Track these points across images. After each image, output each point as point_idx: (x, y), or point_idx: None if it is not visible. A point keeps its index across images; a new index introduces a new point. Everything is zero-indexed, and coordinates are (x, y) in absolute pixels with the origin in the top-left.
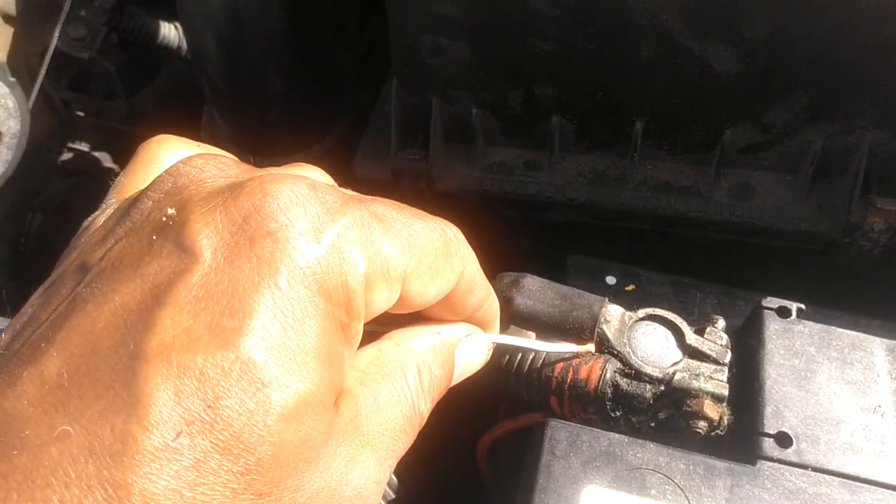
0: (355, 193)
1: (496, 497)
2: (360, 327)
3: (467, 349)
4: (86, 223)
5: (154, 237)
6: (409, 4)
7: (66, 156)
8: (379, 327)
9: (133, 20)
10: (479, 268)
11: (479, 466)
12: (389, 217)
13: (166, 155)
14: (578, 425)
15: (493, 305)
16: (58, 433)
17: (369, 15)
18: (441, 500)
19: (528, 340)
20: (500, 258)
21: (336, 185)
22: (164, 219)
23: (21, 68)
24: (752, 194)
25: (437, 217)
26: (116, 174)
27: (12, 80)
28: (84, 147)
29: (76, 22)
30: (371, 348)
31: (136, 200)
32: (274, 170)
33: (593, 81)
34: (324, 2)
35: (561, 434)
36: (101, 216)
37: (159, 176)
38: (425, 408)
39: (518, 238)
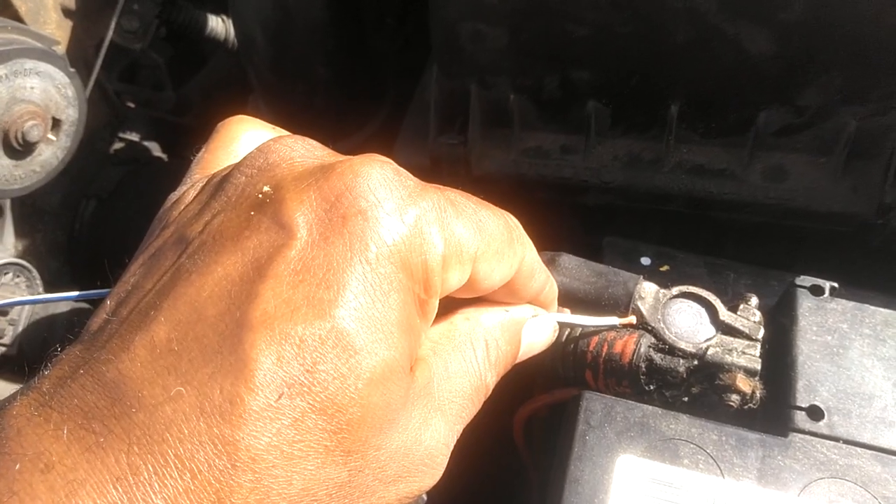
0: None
1: (532, 471)
2: (436, 304)
3: (534, 329)
4: (173, 196)
5: (252, 213)
6: None
7: (118, 145)
8: None
9: (182, 13)
10: (537, 255)
11: (516, 441)
12: (461, 203)
13: (244, 134)
14: (613, 397)
15: (552, 290)
16: (172, 394)
17: (408, 9)
18: (477, 474)
19: (585, 318)
20: (536, 241)
21: None
22: (259, 195)
23: (78, 60)
24: (786, 176)
25: (497, 207)
26: (166, 163)
27: (72, 70)
28: (134, 137)
29: (129, 15)
30: (443, 322)
31: (228, 176)
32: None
33: (629, 66)
34: None
35: (596, 405)
36: (190, 190)
37: (251, 153)
38: (491, 380)
39: (554, 221)
